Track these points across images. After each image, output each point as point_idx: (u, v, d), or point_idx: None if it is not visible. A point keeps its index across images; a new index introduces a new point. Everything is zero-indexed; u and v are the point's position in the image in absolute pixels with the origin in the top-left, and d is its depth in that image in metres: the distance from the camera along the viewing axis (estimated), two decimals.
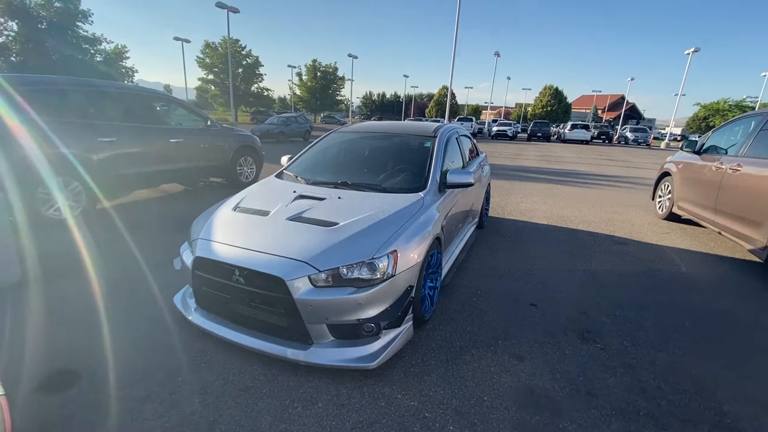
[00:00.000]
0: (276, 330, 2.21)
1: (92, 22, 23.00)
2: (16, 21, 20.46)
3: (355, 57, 43.98)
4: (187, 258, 2.45)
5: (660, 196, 6.22)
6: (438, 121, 20.84)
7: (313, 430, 1.79)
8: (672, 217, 5.83)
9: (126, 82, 23.77)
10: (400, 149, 3.62)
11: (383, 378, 2.15)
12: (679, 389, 2.17)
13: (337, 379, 2.12)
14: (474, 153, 4.92)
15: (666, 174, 6.09)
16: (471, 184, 3.15)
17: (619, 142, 33.31)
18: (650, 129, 36.30)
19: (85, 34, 22.85)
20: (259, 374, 2.15)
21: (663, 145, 32.08)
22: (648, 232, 5.30)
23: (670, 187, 5.89)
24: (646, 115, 71.55)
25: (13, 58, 20.78)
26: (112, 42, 24.43)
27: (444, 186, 3.11)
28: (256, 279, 2.11)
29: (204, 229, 2.48)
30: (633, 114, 62.96)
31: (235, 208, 2.70)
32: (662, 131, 49.06)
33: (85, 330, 2.49)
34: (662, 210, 6.07)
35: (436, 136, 3.54)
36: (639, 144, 30.84)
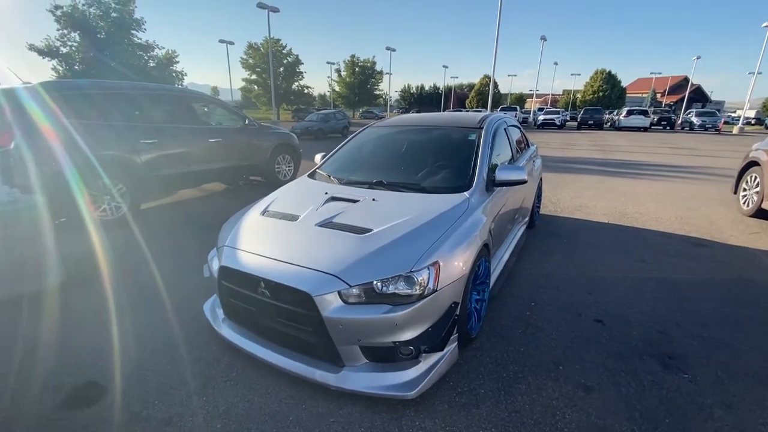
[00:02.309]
0: (305, 348, 2.00)
1: (145, 30, 24.37)
2: (78, 32, 22.13)
3: (393, 50, 43.50)
4: (215, 266, 2.30)
5: (745, 190, 5.38)
6: (480, 112, 19.96)
7: None
8: (761, 214, 5.01)
9: (176, 85, 24.97)
10: (442, 143, 3.29)
11: (424, 409, 1.87)
12: None
13: (371, 408, 1.87)
14: (524, 145, 4.46)
15: (753, 164, 5.25)
16: (524, 182, 2.77)
17: (682, 128, 30.38)
18: (719, 112, 32.76)
19: (139, 41, 24.23)
20: (286, 397, 1.95)
21: (736, 130, 28.76)
22: (732, 232, 4.58)
23: (758, 179, 5.06)
24: (713, 97, 64.78)
25: (77, 67, 22.50)
26: (163, 48, 25.73)
27: (492, 184, 2.75)
28: (281, 292, 1.91)
29: (230, 236, 2.32)
30: (698, 97, 57.33)
31: (263, 212, 2.51)
32: (732, 114, 44.23)
33: (116, 336, 2.43)
34: (748, 205, 5.25)
35: (482, 128, 3.17)
36: (706, 129, 27.92)
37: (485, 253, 2.40)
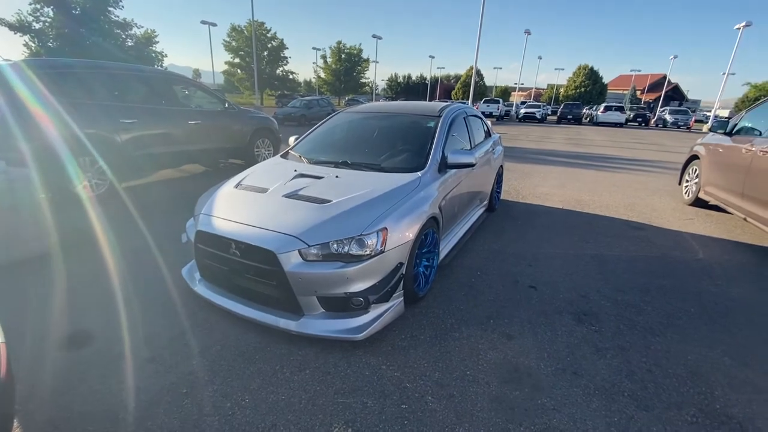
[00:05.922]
0: (270, 301, 2.31)
1: (122, 7, 23.64)
2: (52, 7, 21.34)
3: (380, 38, 43.23)
4: (191, 232, 2.58)
5: (687, 181, 5.92)
6: (464, 103, 20.44)
7: (297, 394, 1.89)
8: (699, 203, 5.55)
9: (156, 66, 24.42)
10: (404, 129, 3.61)
11: (371, 350, 2.22)
12: (670, 373, 2.14)
13: (326, 350, 2.21)
14: (486, 134, 4.83)
15: (694, 157, 5.77)
16: (472, 164, 3.12)
17: (656, 125, 31.56)
18: (693, 111, 34.04)
19: (116, 19, 23.53)
20: (254, 342, 2.27)
21: (706, 128, 29.92)
22: (669, 218, 5.08)
23: (697, 171, 5.59)
24: (690, 96, 66.91)
25: (51, 44, 21.76)
26: (142, 27, 25.06)
27: (445, 166, 3.10)
28: (250, 252, 2.21)
29: (206, 205, 2.60)
30: (675, 95, 59.20)
31: (237, 186, 2.80)
32: (707, 113, 45.95)
33: (102, 297, 2.69)
34: (688, 195, 5.78)
35: (440, 116, 3.50)
36: (679, 127, 29.09)
37: (433, 225, 2.75)
